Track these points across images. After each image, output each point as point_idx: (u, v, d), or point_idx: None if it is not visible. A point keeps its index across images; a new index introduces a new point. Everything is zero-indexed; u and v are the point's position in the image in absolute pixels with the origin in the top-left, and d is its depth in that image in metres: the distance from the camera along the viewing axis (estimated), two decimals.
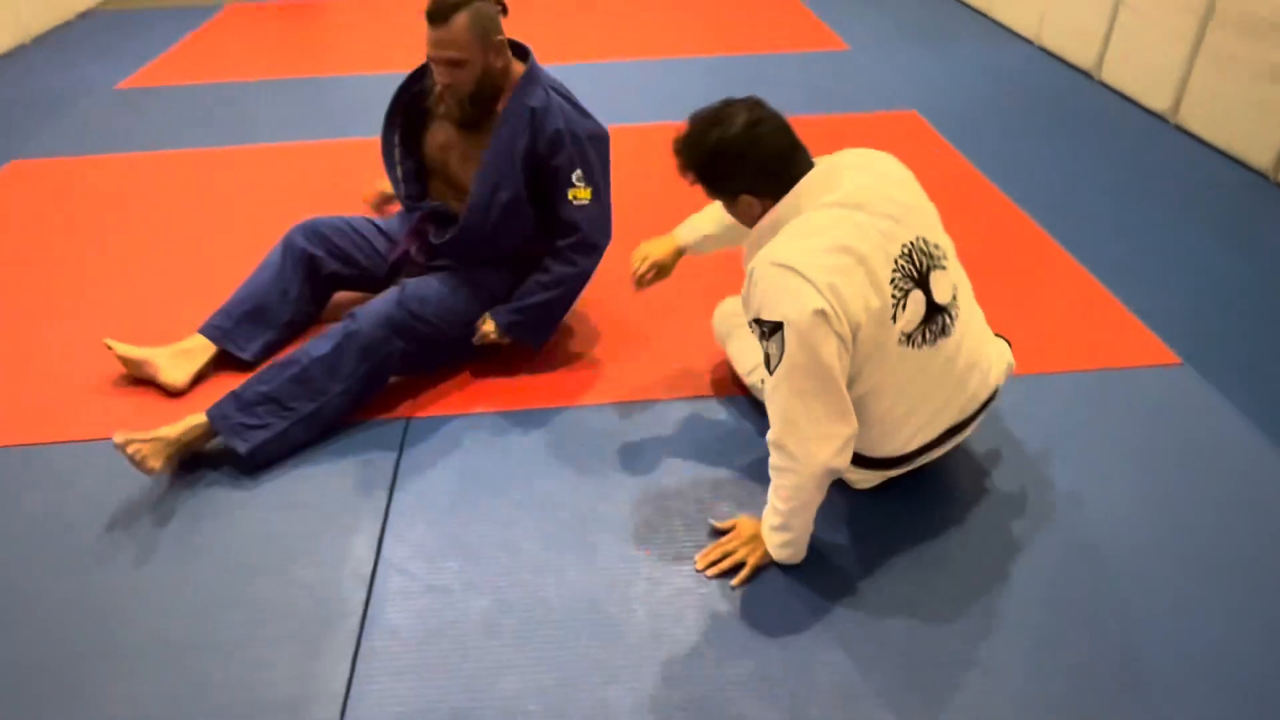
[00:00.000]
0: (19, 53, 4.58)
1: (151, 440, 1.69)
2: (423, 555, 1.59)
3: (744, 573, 1.52)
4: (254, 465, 1.77)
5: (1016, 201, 2.76)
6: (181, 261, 2.57)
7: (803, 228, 1.43)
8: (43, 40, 4.80)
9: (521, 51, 1.99)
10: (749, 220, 1.53)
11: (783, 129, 1.49)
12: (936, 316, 1.48)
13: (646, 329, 2.22)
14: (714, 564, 1.54)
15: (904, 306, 1.43)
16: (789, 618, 1.45)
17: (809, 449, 1.41)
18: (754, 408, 1.92)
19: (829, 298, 1.35)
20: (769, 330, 1.40)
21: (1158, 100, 3.36)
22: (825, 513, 1.54)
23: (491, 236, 2.00)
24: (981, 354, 1.60)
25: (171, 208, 2.91)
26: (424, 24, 1.84)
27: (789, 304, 1.37)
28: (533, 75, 1.95)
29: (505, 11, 1.92)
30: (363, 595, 1.51)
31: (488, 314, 2.02)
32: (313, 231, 2.15)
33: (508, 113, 1.92)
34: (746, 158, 1.45)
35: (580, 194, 1.96)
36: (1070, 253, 2.47)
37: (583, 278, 2.05)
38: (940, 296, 1.48)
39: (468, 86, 1.89)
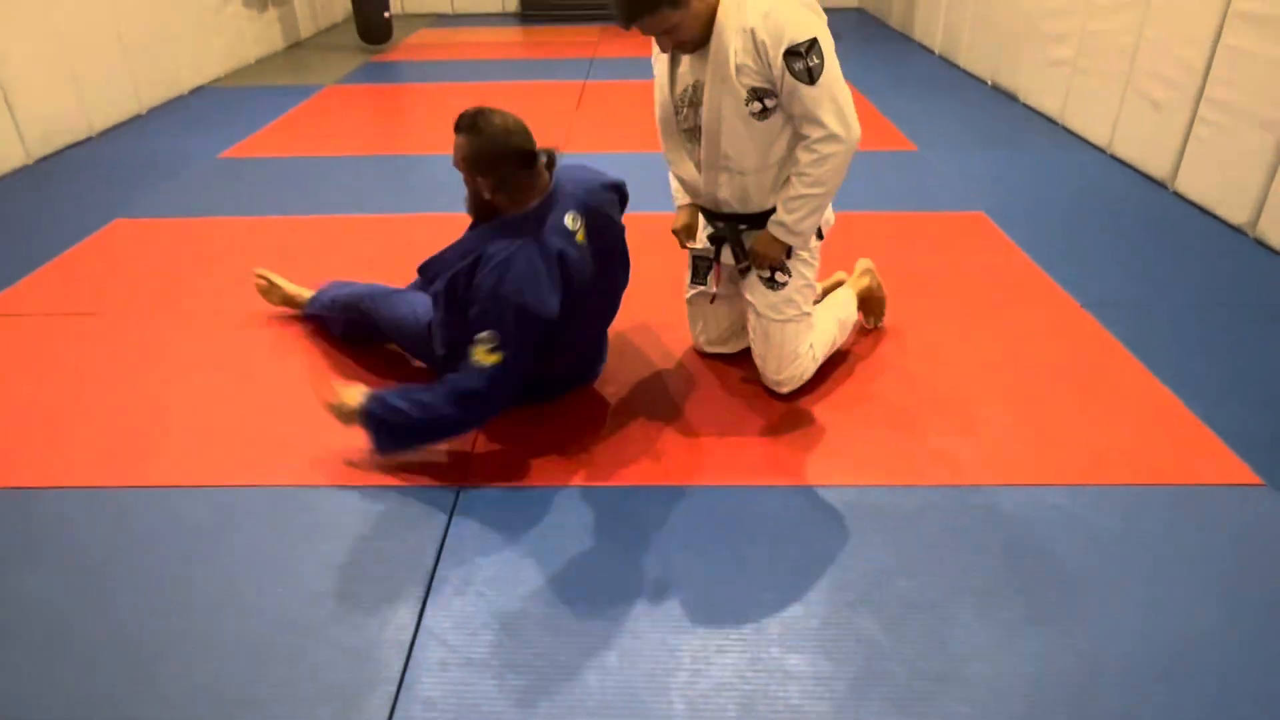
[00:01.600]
0: (134, 122, 4.95)
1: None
2: (464, 627, 1.58)
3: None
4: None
5: (1087, 308, 2.71)
6: (261, 318, 2.68)
7: None
8: (157, 111, 5.18)
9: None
10: (706, 6, 1.86)
11: None
12: None
13: (707, 414, 2.21)
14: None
15: None
16: None
17: (851, 124, 1.89)
18: (798, 497, 1.89)
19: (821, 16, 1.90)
20: (806, 48, 1.81)
21: (1236, 213, 3.30)
22: (883, 625, 1.48)
23: (443, 362, 2.00)
24: None
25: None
26: (505, 106, 1.93)
27: (809, 22, 1.82)
28: (516, 222, 1.88)
29: (529, 162, 1.87)
30: (401, 663, 1.50)
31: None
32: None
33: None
34: None
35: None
36: (1143, 363, 2.40)
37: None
38: None
39: (470, 200, 1.96)
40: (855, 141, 1.92)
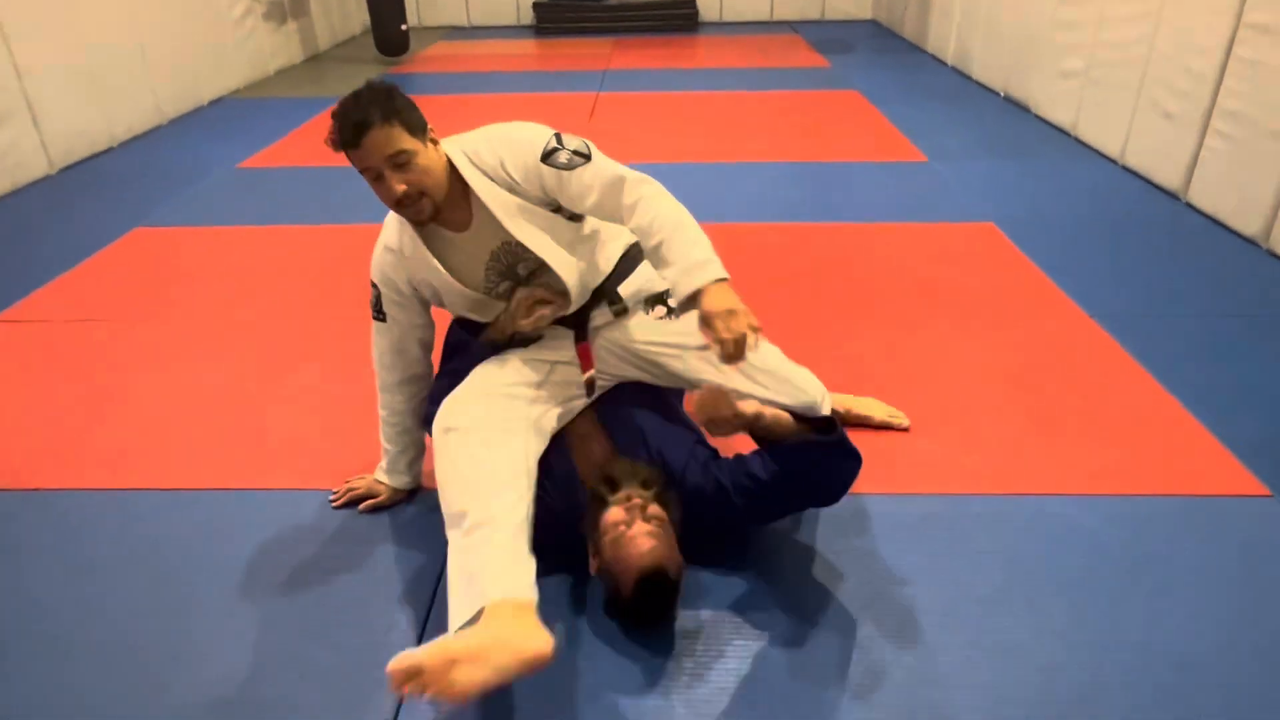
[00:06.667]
0: (154, 133, 5.03)
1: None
2: None
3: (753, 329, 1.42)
4: None
5: (1096, 319, 2.70)
6: (277, 325, 2.73)
7: None
8: (177, 122, 5.27)
9: None
10: (441, 159, 1.71)
11: None
12: None
13: None
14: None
15: None
16: None
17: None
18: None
19: None
20: (552, 146, 1.63)
21: (1248, 225, 3.29)
22: (881, 644, 1.49)
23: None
24: None
25: (274, 277, 3.10)
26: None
27: (532, 128, 1.69)
28: None
29: None
30: None
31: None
32: None
33: None
34: None
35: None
36: (1152, 374, 2.40)
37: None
38: None
39: None
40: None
